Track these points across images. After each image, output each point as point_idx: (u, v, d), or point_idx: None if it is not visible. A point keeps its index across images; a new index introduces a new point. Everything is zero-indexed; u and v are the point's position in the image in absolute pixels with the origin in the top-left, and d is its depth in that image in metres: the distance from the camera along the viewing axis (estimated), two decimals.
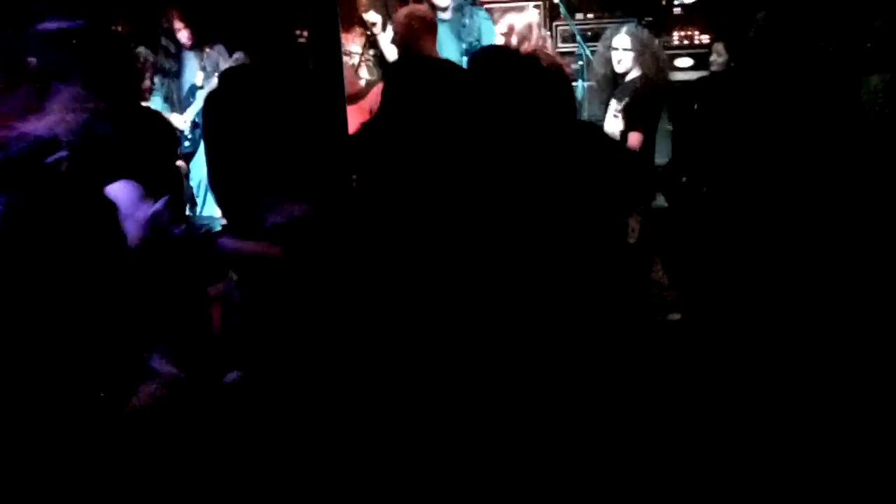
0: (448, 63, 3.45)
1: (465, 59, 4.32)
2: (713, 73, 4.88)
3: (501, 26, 3.84)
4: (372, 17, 4.46)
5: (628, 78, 3.69)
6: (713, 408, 3.09)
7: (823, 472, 2.63)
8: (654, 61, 3.68)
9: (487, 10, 4.98)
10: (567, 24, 5.62)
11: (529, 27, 3.53)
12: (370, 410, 1.60)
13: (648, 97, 3.63)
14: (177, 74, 4.89)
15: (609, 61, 3.75)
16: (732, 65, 4.73)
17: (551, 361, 2.80)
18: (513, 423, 2.25)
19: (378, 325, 1.63)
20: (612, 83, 3.77)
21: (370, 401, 1.60)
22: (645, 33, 3.86)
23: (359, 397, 1.60)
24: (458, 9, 4.49)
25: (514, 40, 3.63)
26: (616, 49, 3.71)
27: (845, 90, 4.21)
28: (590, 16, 5.93)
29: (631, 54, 3.67)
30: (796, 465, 2.68)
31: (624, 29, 3.76)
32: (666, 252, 4.07)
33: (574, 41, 5.37)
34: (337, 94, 2.45)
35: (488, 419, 2.11)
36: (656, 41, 3.87)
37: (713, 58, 4.86)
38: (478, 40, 4.34)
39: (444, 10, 4.43)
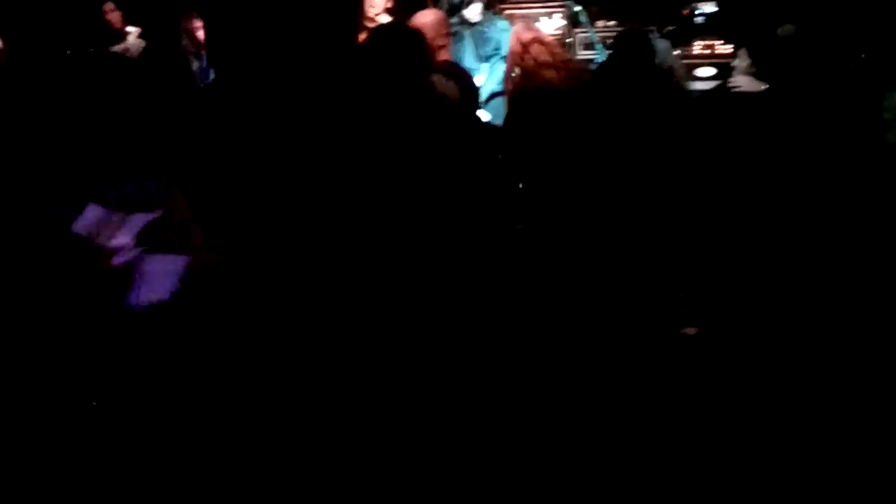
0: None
1: (483, 65, 4.37)
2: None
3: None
4: None
5: None
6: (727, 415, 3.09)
7: (842, 482, 2.63)
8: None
9: (508, 16, 5.00)
10: (587, 32, 5.61)
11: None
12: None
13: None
14: (198, 72, 4.94)
15: None
16: (754, 70, 4.69)
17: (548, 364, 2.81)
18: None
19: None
20: None
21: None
22: (661, 44, 3.83)
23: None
24: None
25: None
26: None
27: (866, 105, 4.18)
28: (610, 23, 5.91)
29: None
30: (817, 477, 2.67)
31: None
32: (681, 272, 4.04)
33: (594, 49, 5.37)
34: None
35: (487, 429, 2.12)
36: (672, 51, 3.83)
37: (736, 62, 4.81)
38: (496, 49, 4.36)
39: (474, 25, 4.46)
